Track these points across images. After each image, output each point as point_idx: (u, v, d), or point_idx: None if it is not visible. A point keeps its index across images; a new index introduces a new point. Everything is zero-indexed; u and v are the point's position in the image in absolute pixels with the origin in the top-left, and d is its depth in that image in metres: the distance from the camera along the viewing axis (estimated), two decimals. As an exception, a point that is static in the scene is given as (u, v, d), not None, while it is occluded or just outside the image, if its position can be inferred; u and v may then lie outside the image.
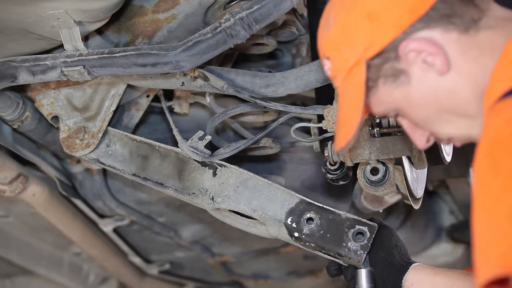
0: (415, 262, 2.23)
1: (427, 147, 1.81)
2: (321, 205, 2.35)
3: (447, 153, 2.45)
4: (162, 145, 2.59)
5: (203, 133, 2.51)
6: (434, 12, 1.66)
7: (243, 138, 2.77)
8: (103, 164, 2.65)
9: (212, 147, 2.55)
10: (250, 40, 2.30)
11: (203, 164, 2.51)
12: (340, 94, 1.76)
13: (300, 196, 2.38)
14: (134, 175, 2.61)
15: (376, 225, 2.28)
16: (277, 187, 2.41)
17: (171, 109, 2.88)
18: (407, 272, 2.19)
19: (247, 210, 2.42)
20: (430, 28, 1.66)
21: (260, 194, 2.42)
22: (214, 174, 2.49)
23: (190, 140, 2.50)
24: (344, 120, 1.75)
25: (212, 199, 2.47)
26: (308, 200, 2.37)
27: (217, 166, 2.49)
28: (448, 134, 1.74)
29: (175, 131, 2.58)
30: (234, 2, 2.45)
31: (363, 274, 2.23)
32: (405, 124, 1.78)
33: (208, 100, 2.66)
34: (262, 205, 2.41)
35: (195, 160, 2.51)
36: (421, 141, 1.79)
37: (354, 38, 1.69)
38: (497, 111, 1.50)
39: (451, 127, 1.72)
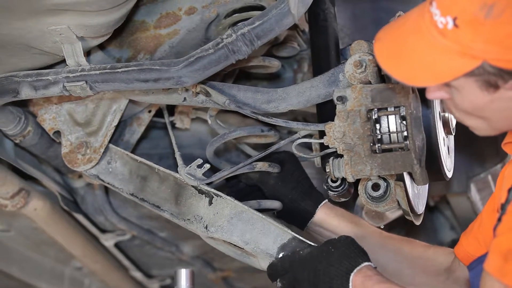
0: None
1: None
2: (313, 244, 2.33)
3: (448, 169, 2.45)
4: (161, 168, 2.58)
5: (202, 161, 2.51)
6: None
7: (247, 155, 2.76)
8: (102, 180, 2.64)
9: (213, 168, 2.55)
10: (252, 60, 2.29)
11: (200, 191, 2.51)
12: (441, 50, 1.78)
13: (293, 233, 2.38)
14: (132, 195, 2.60)
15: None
16: (271, 222, 2.41)
17: (172, 124, 2.88)
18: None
19: (239, 242, 2.42)
20: None
21: (253, 227, 2.42)
22: (210, 202, 2.48)
23: (188, 167, 2.50)
24: (426, 65, 1.81)
25: (206, 227, 2.47)
26: (301, 238, 2.36)
27: (213, 195, 2.49)
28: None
29: (177, 155, 2.58)
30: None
31: None
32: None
33: (209, 122, 2.65)
34: (254, 238, 2.40)
35: (193, 186, 2.51)
36: (433, 95, 1.91)
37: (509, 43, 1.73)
38: None
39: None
